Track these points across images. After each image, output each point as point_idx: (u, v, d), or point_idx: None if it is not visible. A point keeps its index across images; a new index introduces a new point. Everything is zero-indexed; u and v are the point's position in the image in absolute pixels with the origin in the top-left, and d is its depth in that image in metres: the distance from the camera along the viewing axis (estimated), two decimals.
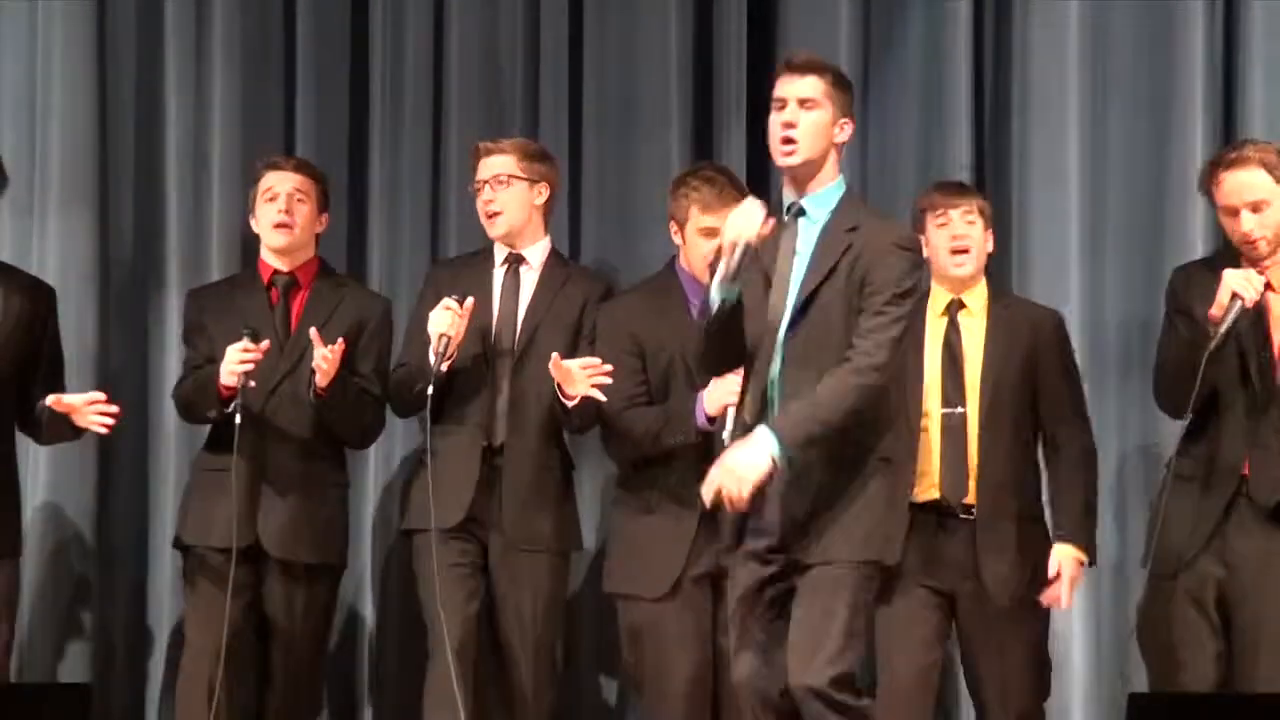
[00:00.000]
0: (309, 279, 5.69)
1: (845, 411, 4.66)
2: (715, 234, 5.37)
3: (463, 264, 5.73)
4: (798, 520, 4.70)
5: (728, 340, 4.77)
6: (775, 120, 4.79)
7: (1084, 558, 5.37)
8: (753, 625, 4.76)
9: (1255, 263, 5.24)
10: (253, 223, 5.72)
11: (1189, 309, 5.29)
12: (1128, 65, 6.12)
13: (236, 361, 5.43)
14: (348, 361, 5.55)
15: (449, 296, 5.45)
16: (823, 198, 4.80)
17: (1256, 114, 6.01)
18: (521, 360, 5.56)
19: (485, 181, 5.62)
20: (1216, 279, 5.21)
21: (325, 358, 5.42)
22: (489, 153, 5.64)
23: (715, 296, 4.72)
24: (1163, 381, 5.35)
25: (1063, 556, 5.32)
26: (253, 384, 5.45)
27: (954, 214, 5.43)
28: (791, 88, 4.78)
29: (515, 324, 5.59)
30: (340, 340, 5.46)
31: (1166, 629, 5.28)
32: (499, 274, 5.64)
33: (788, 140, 4.76)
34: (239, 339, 5.46)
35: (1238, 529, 5.24)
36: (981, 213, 5.48)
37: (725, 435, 5.11)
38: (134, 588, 6.07)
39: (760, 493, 4.66)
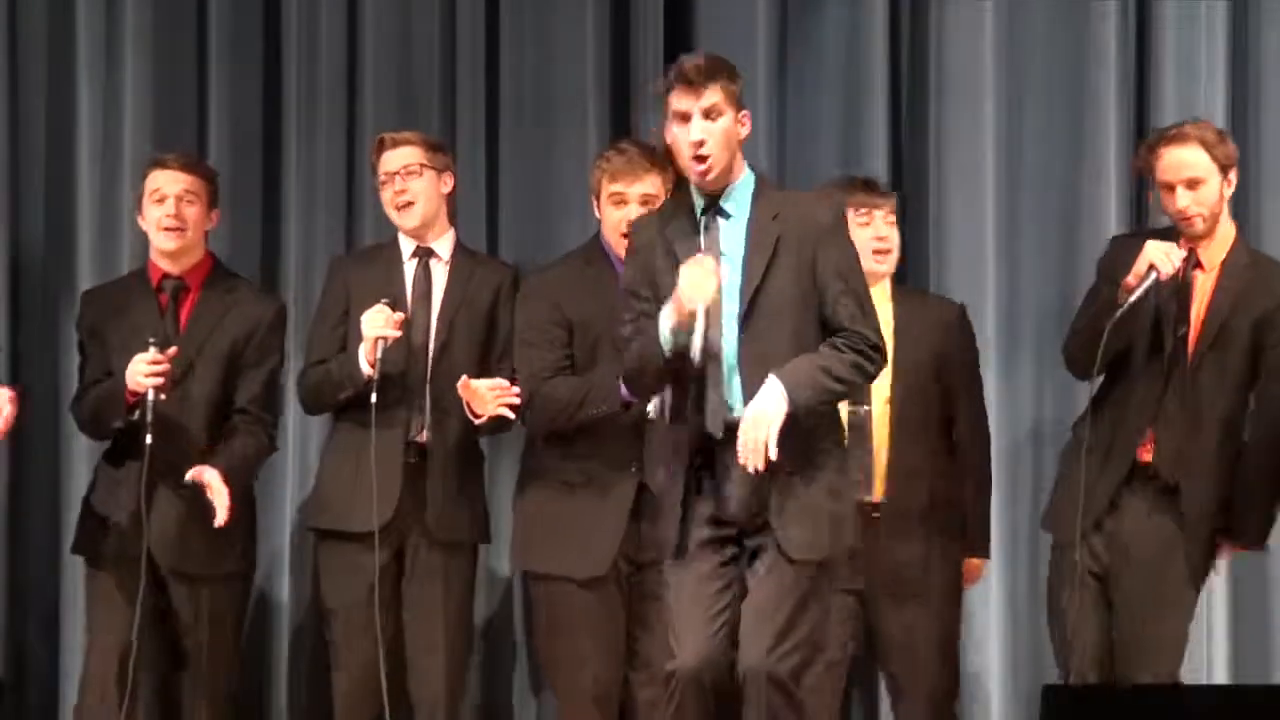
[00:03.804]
0: (199, 282, 5.57)
1: (848, 384, 4.72)
2: (623, 201, 5.42)
3: (369, 258, 5.68)
4: (758, 505, 4.69)
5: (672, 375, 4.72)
6: (681, 136, 4.73)
7: (982, 562, 5.60)
8: (704, 610, 4.71)
9: (1192, 240, 5.27)
10: (140, 222, 5.59)
11: (1115, 277, 5.29)
12: (1042, 57, 6.17)
13: (145, 374, 5.34)
14: (230, 375, 5.53)
15: (383, 301, 5.39)
16: (737, 194, 4.79)
17: (1167, 105, 6.07)
18: (440, 355, 5.52)
19: (394, 173, 5.56)
20: None
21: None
22: (395, 144, 5.57)
23: (667, 339, 4.67)
24: (1073, 342, 5.35)
25: (968, 570, 5.57)
26: (164, 396, 5.36)
27: (878, 214, 5.48)
28: (694, 101, 4.71)
29: (430, 320, 5.54)
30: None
31: (1062, 597, 5.30)
32: (409, 268, 5.59)
33: (701, 159, 4.71)
34: (134, 347, 5.36)
35: (1132, 505, 5.27)
36: (894, 212, 5.53)
37: (651, 411, 5.12)
38: (47, 585, 6.03)
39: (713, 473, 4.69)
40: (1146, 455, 5.27)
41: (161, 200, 5.53)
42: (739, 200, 4.79)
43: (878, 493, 5.41)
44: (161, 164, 5.57)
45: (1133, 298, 5.12)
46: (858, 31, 6.18)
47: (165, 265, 5.57)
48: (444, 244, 5.61)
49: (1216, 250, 5.30)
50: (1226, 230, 5.32)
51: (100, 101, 6.09)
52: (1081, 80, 6.13)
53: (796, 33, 6.21)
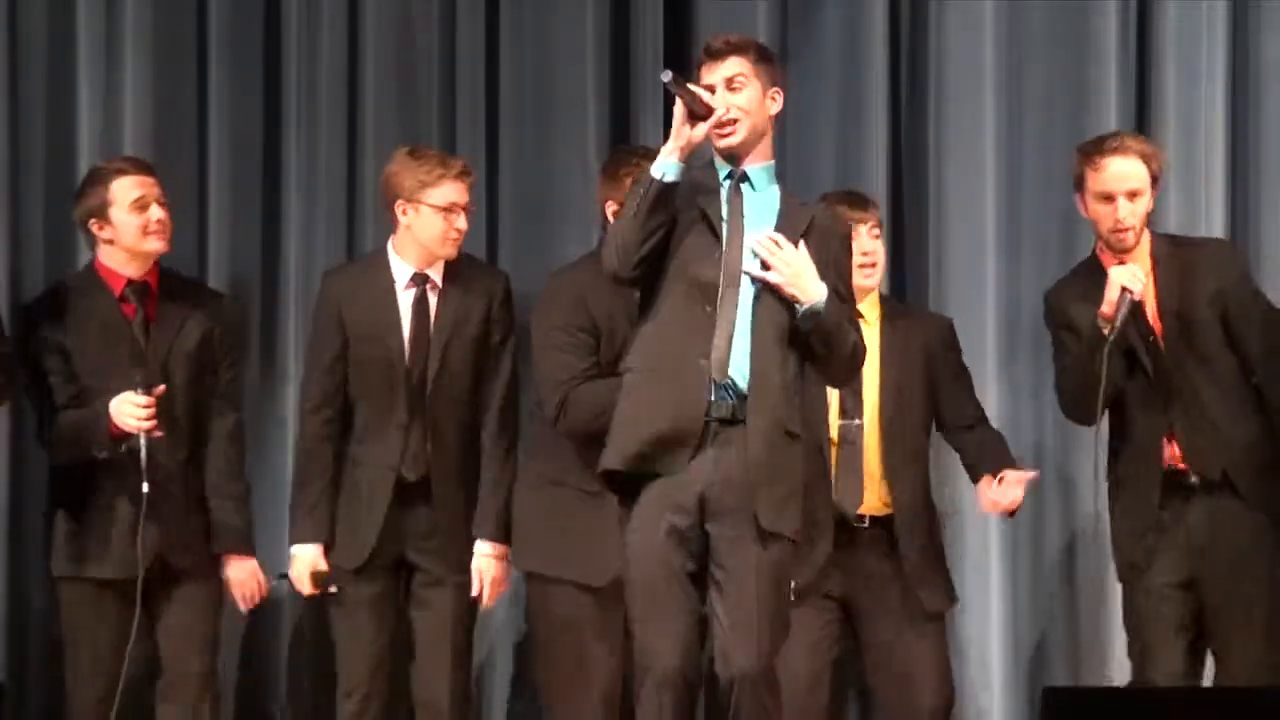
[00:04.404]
0: (156, 284, 5.55)
1: (851, 358, 4.76)
2: None
3: (358, 276, 5.59)
4: (728, 493, 4.68)
5: (652, 229, 4.68)
6: None
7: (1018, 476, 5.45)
8: (674, 609, 4.69)
9: (1120, 252, 5.34)
10: (98, 231, 5.49)
11: (1071, 322, 5.38)
12: (1042, 57, 6.17)
13: (137, 416, 5.30)
14: (201, 373, 5.54)
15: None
16: (763, 174, 4.82)
17: (1169, 110, 6.09)
18: (437, 387, 5.49)
19: (463, 208, 5.50)
20: (1088, 286, 5.34)
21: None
22: (471, 177, 5.55)
23: (658, 168, 4.66)
24: (1067, 395, 5.43)
25: (1015, 477, 5.42)
26: (158, 434, 5.35)
27: (862, 229, 5.45)
28: (715, 72, 4.77)
29: (426, 350, 5.49)
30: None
31: (1140, 627, 5.34)
32: (405, 297, 5.51)
33: (722, 123, 4.74)
34: (108, 364, 5.37)
35: (1193, 516, 5.31)
36: (880, 225, 5.55)
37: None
38: (47, 587, 6.01)
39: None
40: (1179, 465, 5.31)
41: (145, 206, 5.49)
42: (765, 180, 4.82)
43: (866, 506, 5.41)
44: (124, 171, 5.52)
45: (1118, 321, 5.20)
46: (858, 31, 6.19)
47: (129, 271, 5.52)
48: (438, 266, 5.55)
49: (1141, 251, 5.38)
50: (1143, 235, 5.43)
51: (100, 101, 6.07)
52: (1082, 80, 6.13)
53: (797, 33, 6.22)
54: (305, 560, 5.51)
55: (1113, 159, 5.35)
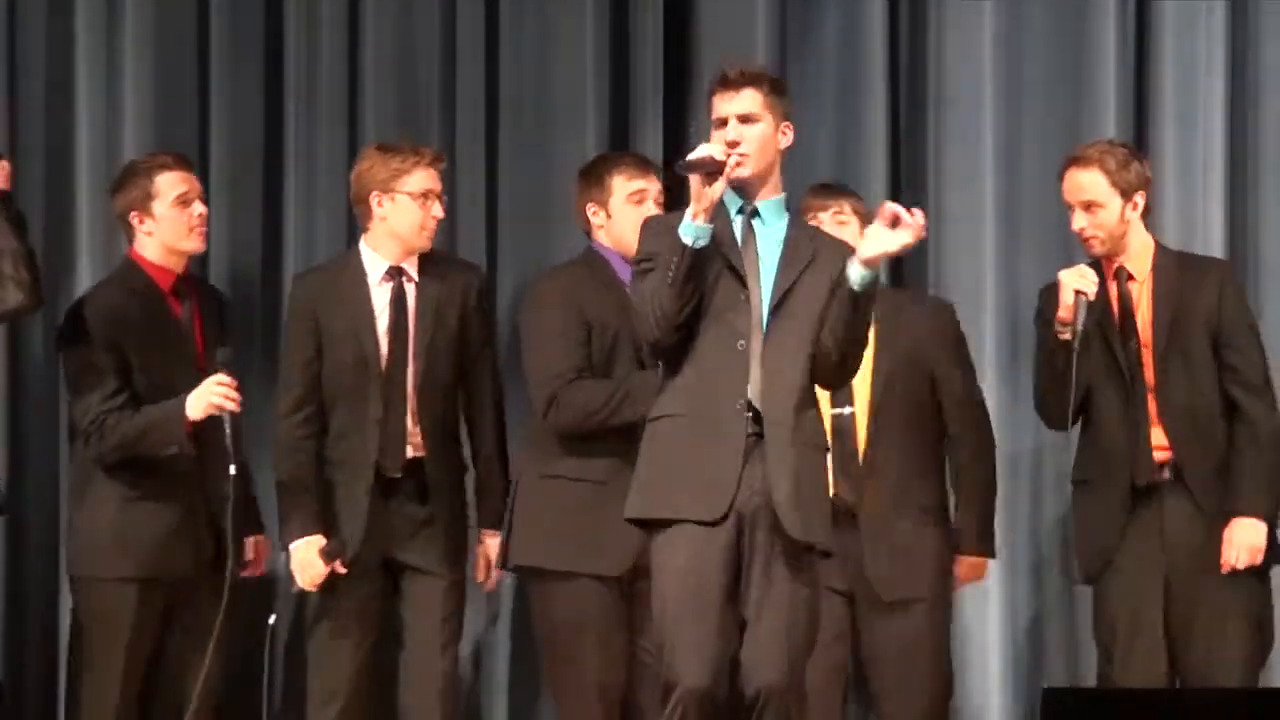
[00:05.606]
0: (191, 283, 5.59)
1: (859, 348, 4.79)
2: (644, 198, 5.44)
3: (331, 276, 5.56)
4: (762, 507, 4.69)
5: (690, 294, 4.69)
6: (718, 138, 4.77)
7: (983, 563, 5.51)
8: (706, 629, 4.68)
9: (1108, 257, 5.35)
10: (139, 224, 5.50)
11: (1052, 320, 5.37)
12: (1041, 62, 6.19)
13: (223, 395, 5.30)
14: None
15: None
16: (773, 207, 4.83)
17: (1168, 110, 6.09)
18: (422, 381, 5.46)
19: (437, 195, 5.49)
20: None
21: None
22: (443, 164, 5.53)
23: (687, 233, 4.67)
24: (1039, 394, 5.44)
25: (962, 567, 5.48)
26: (239, 410, 5.34)
27: (824, 216, 5.44)
28: (729, 105, 4.77)
29: (407, 344, 5.46)
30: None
31: (1105, 628, 5.35)
32: (380, 292, 5.49)
33: (738, 156, 4.75)
34: (167, 363, 5.41)
35: (1153, 515, 5.31)
36: (856, 213, 5.49)
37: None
38: (46, 586, 6.03)
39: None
40: (1149, 467, 5.31)
41: (188, 202, 5.52)
42: (774, 214, 4.83)
43: (859, 495, 5.39)
44: (168, 166, 5.53)
45: (1079, 325, 5.21)
46: (857, 33, 6.20)
47: (168, 265, 5.53)
48: (412, 261, 5.53)
49: (1140, 260, 5.38)
50: (1144, 241, 5.41)
51: (100, 101, 6.08)
52: (1081, 80, 6.14)
53: (796, 35, 6.22)
54: (306, 548, 5.42)
55: (1071, 170, 5.38)
